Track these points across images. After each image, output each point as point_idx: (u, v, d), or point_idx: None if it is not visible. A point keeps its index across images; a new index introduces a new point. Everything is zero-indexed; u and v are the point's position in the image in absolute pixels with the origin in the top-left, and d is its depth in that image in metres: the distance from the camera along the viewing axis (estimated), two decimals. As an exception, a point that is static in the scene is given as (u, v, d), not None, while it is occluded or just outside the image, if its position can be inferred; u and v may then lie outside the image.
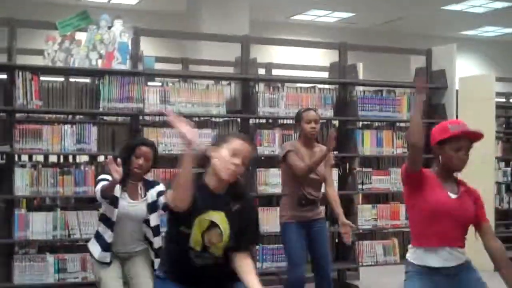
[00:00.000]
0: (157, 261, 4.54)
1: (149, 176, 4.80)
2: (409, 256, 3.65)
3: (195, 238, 3.16)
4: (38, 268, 5.58)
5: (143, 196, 4.62)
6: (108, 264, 4.55)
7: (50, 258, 5.62)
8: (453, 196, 3.56)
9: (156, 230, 4.64)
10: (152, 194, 4.61)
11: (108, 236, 4.57)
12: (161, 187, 4.62)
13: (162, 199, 4.53)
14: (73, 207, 6.03)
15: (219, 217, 3.18)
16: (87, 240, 5.87)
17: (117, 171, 4.26)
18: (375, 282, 7.02)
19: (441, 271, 3.53)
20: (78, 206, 6.04)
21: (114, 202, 4.54)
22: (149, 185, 4.67)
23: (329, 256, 5.42)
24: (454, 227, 3.53)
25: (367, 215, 6.63)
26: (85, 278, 5.73)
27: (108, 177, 4.43)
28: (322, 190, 5.41)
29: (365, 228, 6.66)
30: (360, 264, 6.65)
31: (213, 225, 3.16)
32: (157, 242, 4.63)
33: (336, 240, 6.70)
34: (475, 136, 3.57)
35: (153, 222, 4.61)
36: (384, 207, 6.75)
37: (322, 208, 5.48)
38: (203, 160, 3.22)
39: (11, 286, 5.56)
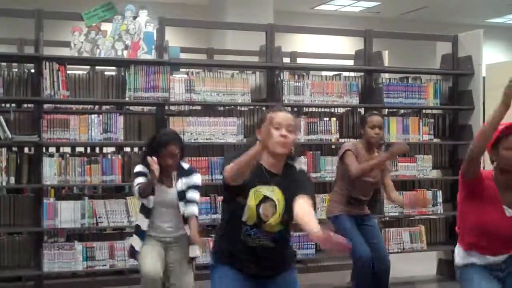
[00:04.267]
0: (191, 248, 4.70)
1: (186, 163, 4.86)
2: (457, 259, 3.67)
3: (249, 210, 3.21)
4: (67, 256, 5.64)
5: (175, 183, 4.69)
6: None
7: (79, 246, 5.69)
8: (508, 213, 3.50)
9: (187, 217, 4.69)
10: (183, 182, 4.68)
11: (144, 224, 4.68)
12: (196, 179, 4.69)
13: (192, 194, 4.65)
14: (101, 196, 6.10)
15: (272, 191, 3.24)
16: (115, 229, 6.00)
17: (157, 169, 4.42)
18: (402, 269, 7.00)
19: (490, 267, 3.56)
20: (106, 195, 6.11)
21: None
22: (183, 173, 4.72)
23: (382, 244, 5.56)
24: (505, 243, 3.53)
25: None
26: (113, 266, 5.81)
27: (144, 169, 4.60)
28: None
29: (391, 215, 6.64)
30: (387, 251, 6.62)
31: (267, 198, 3.22)
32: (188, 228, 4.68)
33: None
34: None
35: (182, 209, 4.67)
36: (410, 194, 6.71)
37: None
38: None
39: (41, 273, 5.65)
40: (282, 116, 3.24)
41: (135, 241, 4.72)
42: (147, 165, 4.59)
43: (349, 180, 5.28)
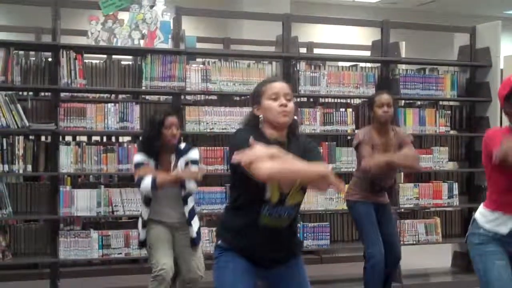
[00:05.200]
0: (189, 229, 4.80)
1: (182, 143, 4.95)
2: (479, 218, 3.61)
3: (272, 186, 3.09)
4: (83, 244, 5.68)
5: (175, 166, 4.77)
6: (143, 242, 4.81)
7: (94, 234, 5.72)
8: None
9: (185, 198, 4.79)
10: (181, 162, 4.76)
11: (144, 212, 4.79)
12: (194, 154, 4.81)
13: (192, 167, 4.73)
14: (116, 185, 6.13)
15: None
16: (130, 217, 6.03)
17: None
18: (417, 261, 7.00)
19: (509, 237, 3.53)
20: (121, 184, 6.13)
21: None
22: (180, 153, 4.80)
23: (398, 235, 5.56)
24: None
25: (409, 194, 6.56)
26: (128, 254, 5.84)
27: (145, 159, 4.71)
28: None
29: (407, 207, 6.61)
30: (402, 243, 6.60)
31: None
32: (187, 209, 4.79)
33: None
34: None
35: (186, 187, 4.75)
36: (426, 186, 6.67)
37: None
38: (255, 122, 3.22)
39: (57, 261, 5.69)
40: (278, 86, 3.19)
41: (141, 232, 4.84)
42: (148, 152, 4.70)
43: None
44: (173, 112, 4.92)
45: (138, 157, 4.74)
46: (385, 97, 5.31)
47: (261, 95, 3.20)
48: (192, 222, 4.79)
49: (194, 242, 4.81)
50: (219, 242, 3.27)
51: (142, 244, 4.85)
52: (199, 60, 7.05)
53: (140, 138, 5.17)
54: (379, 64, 6.85)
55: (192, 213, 4.81)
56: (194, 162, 4.77)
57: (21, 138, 5.62)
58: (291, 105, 3.16)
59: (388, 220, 5.38)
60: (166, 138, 4.69)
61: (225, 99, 6.44)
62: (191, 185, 4.69)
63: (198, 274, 4.84)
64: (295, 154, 3.05)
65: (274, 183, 3.07)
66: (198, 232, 4.85)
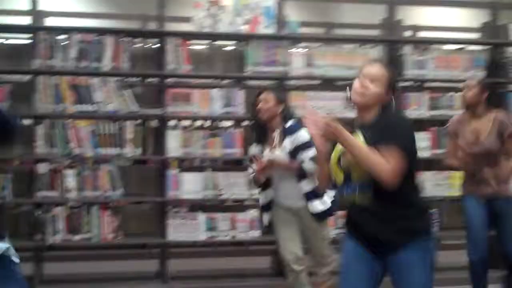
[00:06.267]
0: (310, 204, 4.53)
1: (291, 122, 4.56)
2: None
3: (335, 169, 3.16)
4: (190, 226, 5.79)
5: (280, 144, 4.50)
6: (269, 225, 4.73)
7: (202, 216, 5.83)
8: None
9: (300, 177, 4.50)
10: (289, 141, 4.46)
11: (261, 197, 4.73)
12: (301, 136, 4.42)
13: (303, 155, 4.42)
14: (222, 168, 6.21)
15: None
16: (236, 201, 6.09)
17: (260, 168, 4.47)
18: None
19: None
20: (227, 167, 6.21)
21: None
22: (287, 131, 4.50)
23: None
24: None
25: None
26: (234, 237, 5.91)
27: (257, 148, 4.65)
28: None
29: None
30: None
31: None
32: (305, 186, 4.49)
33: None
34: None
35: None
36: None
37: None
38: None
39: (166, 242, 5.84)
40: (368, 68, 3.16)
41: (263, 216, 4.79)
42: (256, 135, 4.65)
43: (466, 154, 4.82)
44: (265, 89, 4.73)
45: (251, 149, 4.73)
46: (468, 80, 5.06)
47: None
48: (312, 200, 4.50)
49: (317, 216, 4.52)
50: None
51: (267, 227, 4.82)
52: (302, 44, 7.02)
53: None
54: (488, 47, 6.61)
55: (310, 194, 4.48)
56: (304, 145, 4.39)
57: (131, 122, 5.78)
58: (369, 86, 3.08)
59: (503, 220, 4.87)
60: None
61: (328, 84, 6.39)
62: (306, 165, 4.39)
63: (319, 257, 4.67)
64: (369, 132, 3.05)
65: (333, 166, 3.15)
66: (322, 210, 4.52)
